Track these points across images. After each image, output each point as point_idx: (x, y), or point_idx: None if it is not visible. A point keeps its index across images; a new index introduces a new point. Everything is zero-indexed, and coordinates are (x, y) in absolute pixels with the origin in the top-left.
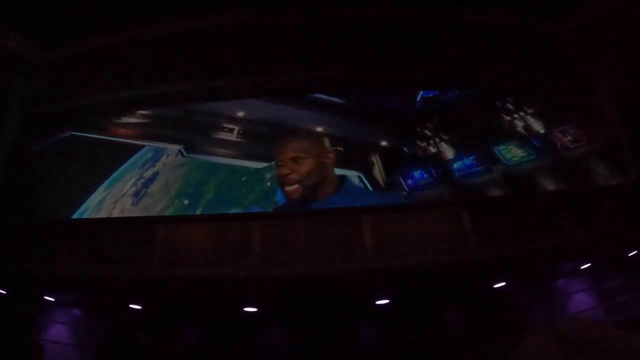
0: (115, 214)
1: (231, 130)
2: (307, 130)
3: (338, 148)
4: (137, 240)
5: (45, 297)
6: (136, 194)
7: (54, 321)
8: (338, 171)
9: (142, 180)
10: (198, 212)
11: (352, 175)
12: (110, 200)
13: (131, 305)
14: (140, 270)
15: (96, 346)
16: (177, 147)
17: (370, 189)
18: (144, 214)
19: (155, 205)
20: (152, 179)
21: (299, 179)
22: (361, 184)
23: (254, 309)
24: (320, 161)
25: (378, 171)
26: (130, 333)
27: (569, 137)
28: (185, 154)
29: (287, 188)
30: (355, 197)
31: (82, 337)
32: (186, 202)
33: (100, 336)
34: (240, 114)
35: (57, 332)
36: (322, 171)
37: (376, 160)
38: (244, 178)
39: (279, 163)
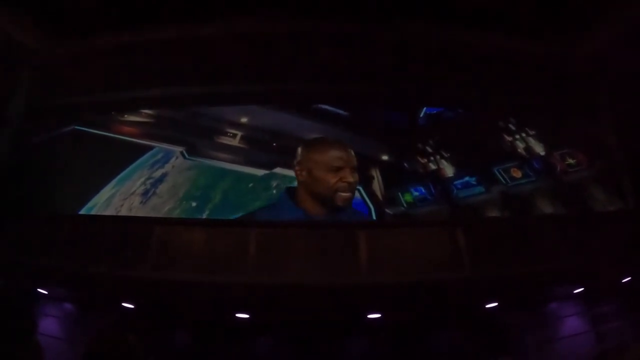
0: (123, 211)
1: (234, 136)
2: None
3: None
4: (134, 240)
5: (39, 290)
6: (145, 193)
7: (46, 314)
8: None
9: (151, 180)
10: (205, 215)
11: None
12: (119, 197)
13: (124, 304)
14: (135, 270)
15: (85, 346)
16: (179, 148)
17: (369, 203)
18: (152, 214)
19: (163, 206)
20: (161, 179)
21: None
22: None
23: (245, 316)
24: None
25: (377, 185)
26: (120, 335)
27: (569, 161)
28: (186, 156)
29: (343, 194)
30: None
31: (74, 332)
32: (194, 204)
33: (89, 335)
34: (244, 120)
35: (49, 325)
36: None
37: (376, 174)
38: (250, 184)
39: (338, 169)
